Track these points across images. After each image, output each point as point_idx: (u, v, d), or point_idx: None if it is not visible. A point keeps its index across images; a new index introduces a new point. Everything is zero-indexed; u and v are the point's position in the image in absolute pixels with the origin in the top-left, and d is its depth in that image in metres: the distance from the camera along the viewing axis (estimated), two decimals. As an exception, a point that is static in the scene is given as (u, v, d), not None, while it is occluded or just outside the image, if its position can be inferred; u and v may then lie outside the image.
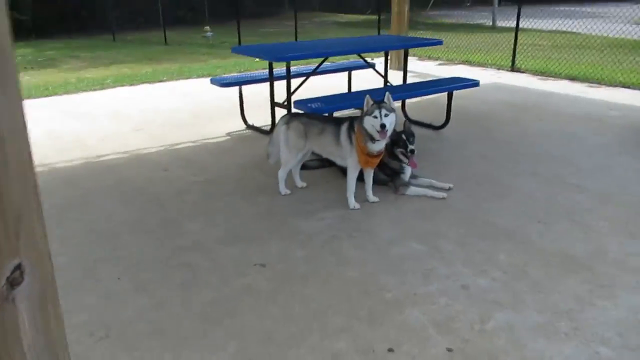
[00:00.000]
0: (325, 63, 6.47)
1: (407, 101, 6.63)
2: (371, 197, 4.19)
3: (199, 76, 9.93)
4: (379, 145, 3.91)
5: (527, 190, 4.36)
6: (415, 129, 6.30)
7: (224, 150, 5.55)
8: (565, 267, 3.21)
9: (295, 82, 5.64)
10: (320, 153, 4.25)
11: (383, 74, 6.60)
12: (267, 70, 5.59)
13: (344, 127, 4.01)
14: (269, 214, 4.01)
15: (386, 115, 3.77)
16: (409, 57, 11.97)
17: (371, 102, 3.82)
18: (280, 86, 5.49)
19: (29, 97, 8.25)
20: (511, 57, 10.31)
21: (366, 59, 6.94)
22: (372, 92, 5.60)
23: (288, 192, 4.35)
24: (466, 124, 6.39)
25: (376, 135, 3.80)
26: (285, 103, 5.41)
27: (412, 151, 4.22)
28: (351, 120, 3.98)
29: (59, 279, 1.06)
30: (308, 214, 4.00)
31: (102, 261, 3.36)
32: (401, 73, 6.60)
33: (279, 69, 5.79)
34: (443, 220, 3.85)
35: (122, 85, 9.07)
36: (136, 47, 15.29)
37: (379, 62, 7.61)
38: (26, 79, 10.50)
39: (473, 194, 4.31)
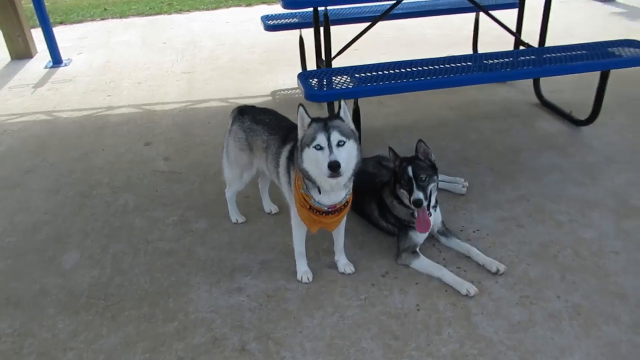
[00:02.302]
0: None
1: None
2: (342, 262, 2.49)
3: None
4: (334, 197, 2.16)
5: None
6: (544, 120, 3.96)
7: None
8: None
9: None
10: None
11: (515, 25, 4.20)
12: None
13: (285, 151, 2.31)
14: (180, 259, 2.65)
15: (340, 144, 1.99)
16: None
17: (308, 119, 2.04)
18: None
19: (142, 14, 7.79)
20: None
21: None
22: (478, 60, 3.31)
23: (240, 220, 2.88)
24: (636, 120, 3.80)
25: (324, 183, 2.06)
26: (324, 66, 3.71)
27: (417, 203, 2.34)
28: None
29: None
30: (229, 273, 2.53)
31: None
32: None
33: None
34: (427, 355, 2.03)
35: (239, 5, 8.01)
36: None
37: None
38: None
39: (535, 300, 2.28)
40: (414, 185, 2.35)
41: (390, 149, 2.50)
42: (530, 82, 4.23)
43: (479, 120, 3.93)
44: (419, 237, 2.51)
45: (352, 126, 2.09)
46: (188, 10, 7.79)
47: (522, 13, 4.17)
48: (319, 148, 1.99)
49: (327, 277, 2.47)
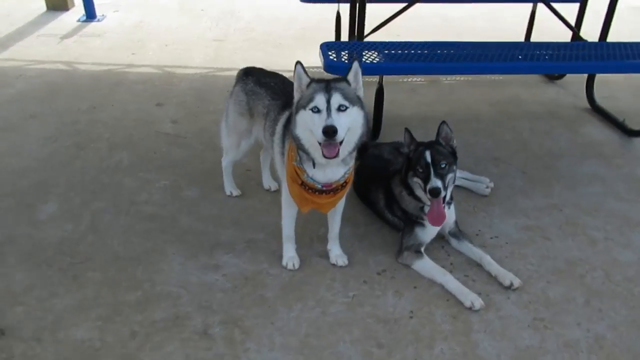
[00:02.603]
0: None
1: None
2: (335, 253, 2.21)
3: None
4: (330, 173, 1.87)
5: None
6: (593, 127, 3.52)
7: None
8: None
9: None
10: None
11: (575, 18, 3.78)
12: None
13: (283, 118, 2.04)
14: (162, 225, 2.43)
15: (342, 109, 1.71)
16: None
17: (307, 79, 1.76)
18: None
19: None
20: None
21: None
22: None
23: (235, 193, 2.64)
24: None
25: (318, 155, 1.78)
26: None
27: (435, 192, 2.02)
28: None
29: None
30: (209, 248, 2.29)
31: None
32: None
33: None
34: (409, 372, 1.74)
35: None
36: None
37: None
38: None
39: (550, 324, 1.94)
40: (432, 172, 2.04)
41: (407, 130, 2.19)
42: (582, 83, 3.80)
43: (518, 119, 3.56)
44: (426, 235, 2.20)
45: (361, 93, 1.80)
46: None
47: (584, 8, 3.75)
48: (316, 111, 1.71)
49: (315, 267, 2.19)
